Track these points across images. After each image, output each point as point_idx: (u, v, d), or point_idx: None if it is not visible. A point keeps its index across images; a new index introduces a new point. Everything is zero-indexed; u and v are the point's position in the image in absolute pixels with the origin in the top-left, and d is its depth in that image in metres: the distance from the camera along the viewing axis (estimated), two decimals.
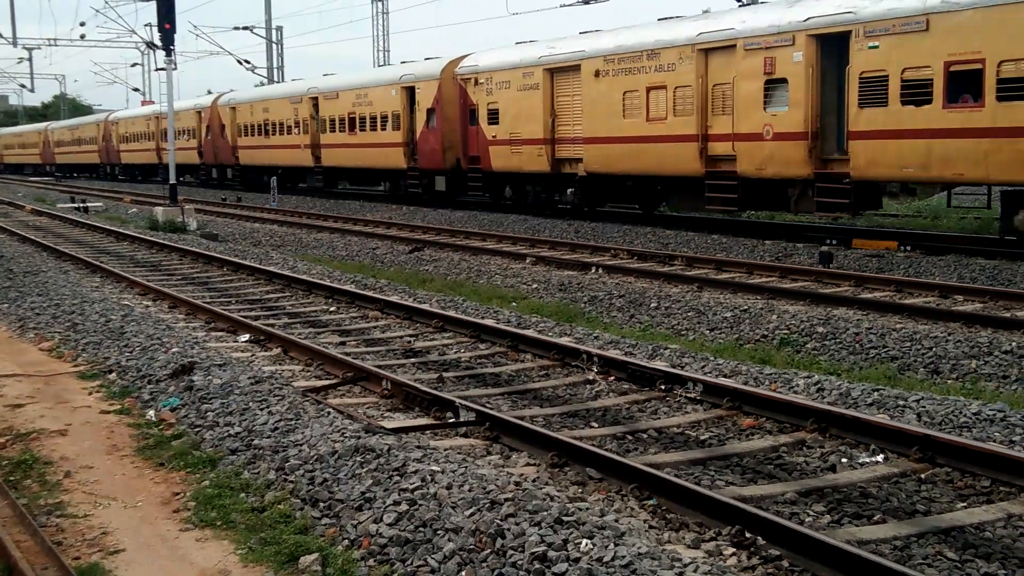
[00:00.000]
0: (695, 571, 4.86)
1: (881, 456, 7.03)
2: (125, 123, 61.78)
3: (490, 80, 28.20)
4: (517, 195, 28.64)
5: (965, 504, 6.24)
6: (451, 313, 12.45)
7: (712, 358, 10.13)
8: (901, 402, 8.17)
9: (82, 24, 77.94)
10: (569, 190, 26.12)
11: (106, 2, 50.69)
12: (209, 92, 51.36)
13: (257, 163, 44.60)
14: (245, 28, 57.61)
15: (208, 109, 49.02)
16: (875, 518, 5.99)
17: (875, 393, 8.44)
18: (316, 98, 38.38)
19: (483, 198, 30.66)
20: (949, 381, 9.87)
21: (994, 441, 7.21)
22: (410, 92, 32.12)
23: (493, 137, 27.95)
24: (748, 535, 5.43)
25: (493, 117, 27.96)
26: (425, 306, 13.05)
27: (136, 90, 76.81)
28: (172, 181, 30.13)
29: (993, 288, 13.80)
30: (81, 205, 36.43)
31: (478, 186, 29.53)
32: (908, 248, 18.30)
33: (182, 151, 51.17)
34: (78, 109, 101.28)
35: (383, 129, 33.53)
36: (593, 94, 24.22)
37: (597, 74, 24.02)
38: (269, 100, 43.25)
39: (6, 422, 8.25)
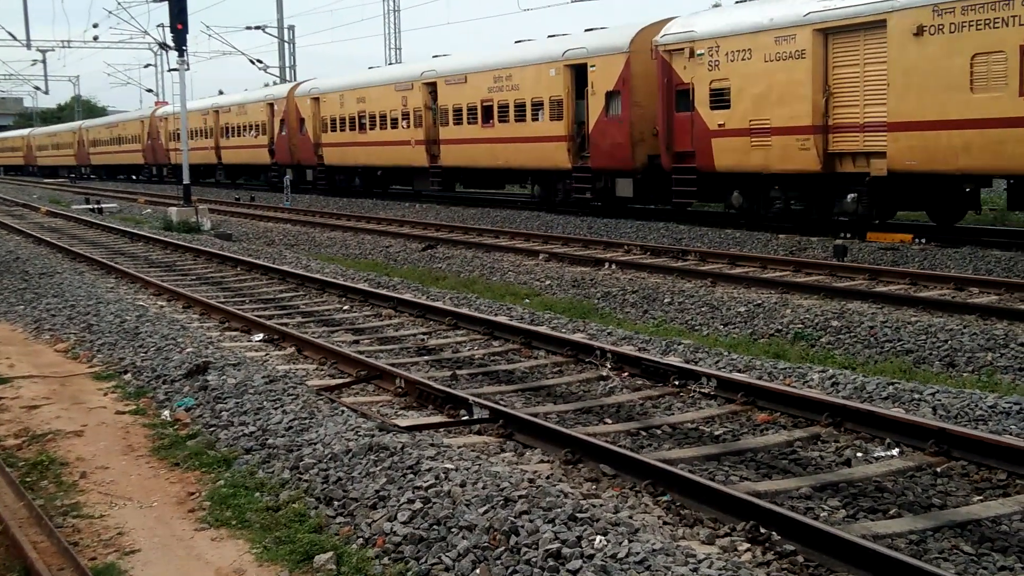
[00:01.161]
0: (709, 567, 4.85)
1: (896, 450, 7.00)
2: (177, 119, 55.93)
3: (715, 50, 21.13)
4: (752, 203, 21.60)
5: (981, 498, 6.21)
6: (464, 310, 12.46)
7: (726, 353, 10.11)
8: (916, 395, 8.14)
9: (95, 26, 78.32)
10: (850, 196, 19.12)
11: (119, 3, 50.90)
12: (304, 80, 44.98)
13: (348, 163, 38.31)
14: (257, 28, 57.79)
15: (283, 100, 42.75)
16: (891, 512, 5.97)
17: (890, 387, 8.41)
18: (433, 83, 31.96)
19: (685, 206, 24.27)
20: (965, 374, 9.82)
21: (1010, 434, 7.17)
22: (577, 71, 25.62)
23: (720, 126, 21.18)
24: (763, 530, 5.42)
25: (720, 99, 21.20)
26: (438, 304, 13.06)
27: (149, 91, 77.13)
28: (186, 181, 30.21)
29: (1009, 280, 13.71)
30: (96, 206, 36.60)
31: (689, 191, 22.64)
32: (923, 240, 18.22)
33: (248, 149, 46.42)
34: (92, 111, 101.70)
35: (535, 119, 27.09)
36: (910, 60, 17.47)
37: (919, 31, 17.23)
38: (367, 88, 36.41)
39: (22, 423, 8.30)
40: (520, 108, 27.81)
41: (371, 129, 35.90)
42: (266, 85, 53.65)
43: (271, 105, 44.19)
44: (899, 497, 6.23)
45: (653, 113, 23.34)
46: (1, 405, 8.90)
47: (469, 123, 30.09)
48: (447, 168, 32.19)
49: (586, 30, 26.54)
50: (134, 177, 66.72)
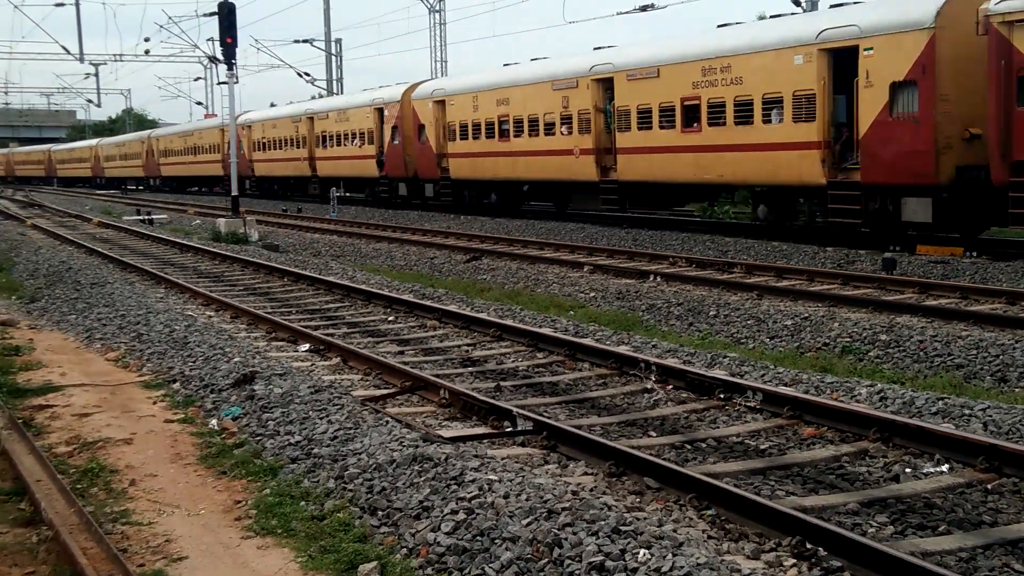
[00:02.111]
0: None
1: (946, 466, 6.90)
2: (262, 127, 50.42)
3: None
4: None
5: None
6: (509, 322, 12.47)
7: (772, 367, 10.03)
8: (967, 411, 8.02)
9: (147, 40, 79.42)
10: None
11: (170, 18, 51.73)
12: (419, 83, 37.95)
13: (482, 176, 32.49)
14: (305, 41, 58.49)
15: (396, 104, 37.14)
16: (940, 529, 5.89)
17: (940, 402, 8.30)
18: (609, 79, 26.14)
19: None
20: (1016, 389, 9.65)
21: None
22: (836, 58, 19.89)
23: None
24: (809, 546, 5.36)
25: None
26: (483, 315, 13.09)
27: (199, 103, 78.24)
28: (234, 193, 30.58)
29: None
30: (146, 217, 37.14)
31: None
32: (974, 253, 17.96)
33: (351, 160, 41.08)
34: (143, 124, 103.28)
35: (767, 121, 21.21)
36: None
37: None
38: (511, 87, 30.54)
39: (74, 431, 8.43)
40: (744, 107, 21.74)
41: (516, 136, 30.09)
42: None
43: (380, 110, 38.38)
44: (948, 514, 6.14)
45: (967, 110, 17.91)
46: (53, 413, 9.05)
47: (663, 127, 24.12)
48: (625, 183, 25.96)
49: (832, 6, 21.50)
50: (205, 189, 61.88)
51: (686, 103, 23.32)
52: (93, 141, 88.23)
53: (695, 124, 23.20)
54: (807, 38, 20.47)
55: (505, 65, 32.50)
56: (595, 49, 27.79)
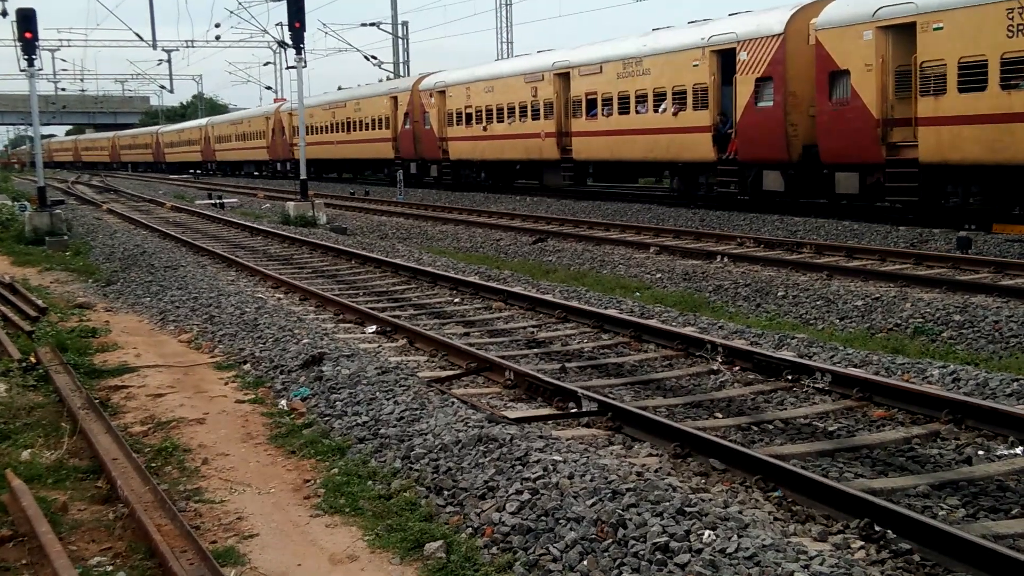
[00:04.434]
0: (821, 564, 4.78)
1: (1020, 448, 6.76)
2: (466, 92, 37.37)
3: None
4: None
5: None
6: (574, 303, 12.47)
7: (841, 348, 9.90)
8: None
9: (217, 26, 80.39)
10: None
11: (240, 3, 52.13)
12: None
13: (1007, 159, 17.59)
14: (372, 24, 58.74)
15: (763, 43, 22.94)
16: (1013, 512, 5.78)
17: (1015, 383, 8.12)
18: None
19: None
20: None
21: None
22: None
23: None
24: (877, 528, 5.30)
25: None
26: (548, 297, 13.10)
27: (269, 88, 79.18)
28: (303, 177, 30.87)
29: None
30: (218, 201, 37.72)
31: None
32: None
33: (647, 136, 27.23)
34: (215, 108, 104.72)
35: None
36: None
37: None
38: None
39: (148, 411, 8.64)
40: None
41: None
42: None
43: (720, 53, 24.46)
44: (1022, 497, 6.01)
45: None
46: (128, 393, 9.27)
47: None
48: None
49: None
50: (348, 175, 51.74)
51: None
52: (203, 120, 78.21)
53: None
54: None
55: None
56: None
